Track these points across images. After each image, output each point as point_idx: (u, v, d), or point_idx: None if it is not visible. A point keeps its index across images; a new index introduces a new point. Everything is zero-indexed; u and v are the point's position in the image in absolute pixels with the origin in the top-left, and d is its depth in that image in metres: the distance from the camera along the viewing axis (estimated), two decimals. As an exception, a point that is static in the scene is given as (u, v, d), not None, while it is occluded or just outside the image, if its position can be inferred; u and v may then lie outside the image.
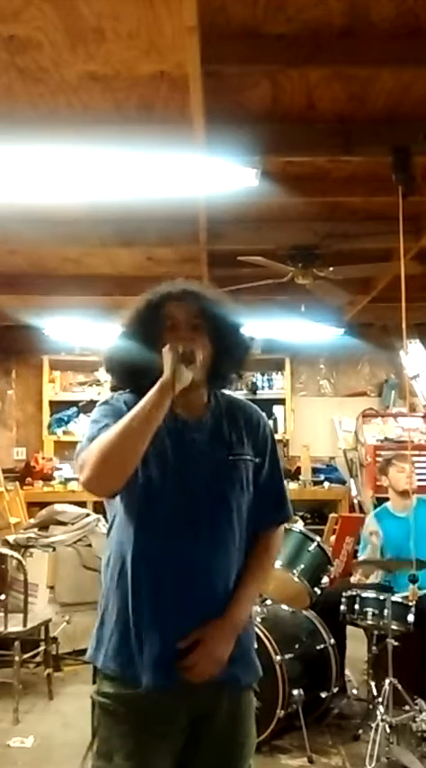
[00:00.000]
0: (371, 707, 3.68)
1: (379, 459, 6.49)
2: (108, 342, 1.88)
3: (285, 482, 2.00)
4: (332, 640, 4.00)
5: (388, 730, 3.38)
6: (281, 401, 7.65)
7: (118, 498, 1.76)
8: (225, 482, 1.79)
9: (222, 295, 1.95)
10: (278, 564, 4.00)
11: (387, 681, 3.50)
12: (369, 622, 3.74)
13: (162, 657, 1.70)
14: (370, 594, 3.78)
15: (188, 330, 1.79)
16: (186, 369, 1.69)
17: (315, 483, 7.25)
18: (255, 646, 1.92)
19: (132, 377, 1.81)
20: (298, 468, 7.33)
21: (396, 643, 3.57)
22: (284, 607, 4.17)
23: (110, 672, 1.74)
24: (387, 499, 4.65)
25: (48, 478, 7.29)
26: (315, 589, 3.98)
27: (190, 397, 1.76)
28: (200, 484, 1.76)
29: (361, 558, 4.49)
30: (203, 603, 1.73)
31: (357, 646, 4.33)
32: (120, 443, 1.64)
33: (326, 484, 7.23)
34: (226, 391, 1.93)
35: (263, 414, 1.95)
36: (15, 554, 4.53)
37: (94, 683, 1.79)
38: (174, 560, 1.72)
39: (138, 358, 1.78)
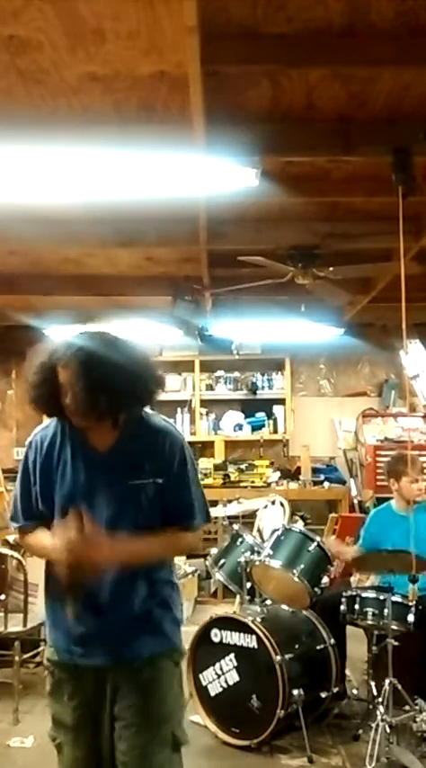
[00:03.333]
0: (371, 707, 3.68)
1: (383, 459, 6.50)
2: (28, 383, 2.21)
3: (196, 490, 2.22)
4: (332, 640, 4.00)
5: (388, 730, 3.39)
6: (281, 401, 7.65)
7: None
8: (124, 504, 2.12)
9: (108, 339, 2.16)
10: (278, 564, 4.01)
11: (387, 681, 3.51)
12: (369, 622, 3.74)
13: (67, 638, 2.14)
14: (370, 594, 3.78)
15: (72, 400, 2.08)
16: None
17: (315, 483, 7.24)
18: (160, 623, 2.18)
19: (47, 412, 2.22)
20: (298, 468, 7.33)
21: (396, 643, 3.57)
22: (284, 607, 4.17)
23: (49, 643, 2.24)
24: (387, 499, 4.64)
25: (47, 479, 7.27)
26: (315, 589, 3.98)
27: (98, 431, 2.13)
28: (103, 506, 2.11)
29: (357, 550, 4.46)
30: (103, 605, 2.11)
31: (357, 646, 4.33)
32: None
33: (326, 484, 7.22)
34: (151, 414, 2.23)
35: (175, 432, 2.21)
36: (15, 554, 4.53)
37: None
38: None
39: (46, 403, 2.17)
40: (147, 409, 2.23)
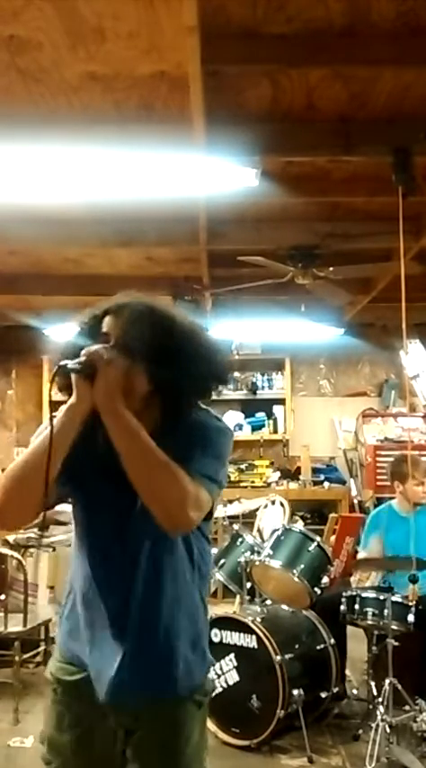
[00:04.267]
0: (371, 707, 3.68)
1: (383, 459, 6.50)
2: (54, 356, 1.77)
3: (208, 460, 1.69)
4: (332, 640, 4.00)
5: (388, 730, 3.39)
6: (281, 401, 7.65)
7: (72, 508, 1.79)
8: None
9: (170, 307, 1.81)
10: (278, 564, 4.01)
11: (387, 681, 3.51)
12: (369, 622, 3.74)
13: (91, 663, 1.71)
14: (370, 594, 3.78)
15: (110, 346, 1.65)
16: (86, 381, 1.61)
17: (315, 483, 7.24)
18: (180, 659, 1.74)
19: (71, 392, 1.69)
20: (298, 468, 7.33)
21: (396, 643, 3.57)
22: (284, 607, 4.17)
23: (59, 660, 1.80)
24: (387, 499, 4.64)
25: (47, 478, 7.27)
26: (315, 589, 3.98)
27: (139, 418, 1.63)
28: (129, 506, 1.68)
29: (360, 555, 4.48)
30: (129, 619, 1.70)
31: (357, 646, 4.33)
32: (25, 475, 1.61)
33: (326, 484, 7.22)
34: (203, 411, 1.77)
35: (211, 423, 1.76)
36: (15, 554, 4.53)
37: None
38: (105, 574, 1.72)
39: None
40: (200, 404, 1.78)
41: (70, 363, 1.62)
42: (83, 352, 1.63)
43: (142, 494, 1.61)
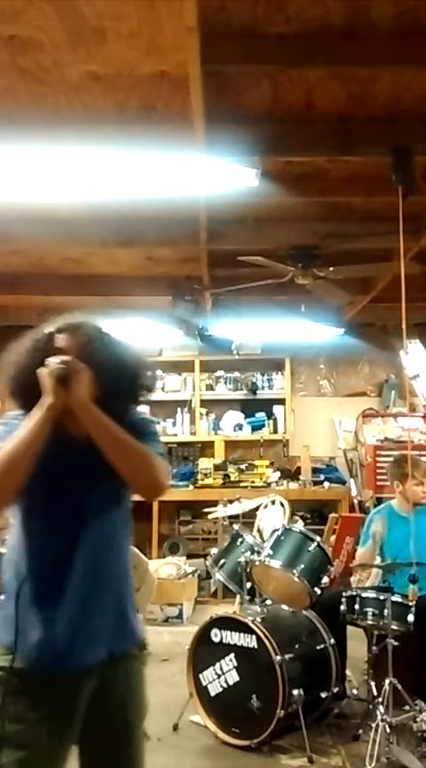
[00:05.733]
0: (371, 707, 3.68)
1: (383, 459, 6.50)
2: (9, 368, 2.03)
3: (161, 451, 2.05)
4: (332, 640, 4.00)
5: (388, 730, 3.39)
6: (281, 401, 7.65)
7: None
8: (99, 490, 1.96)
9: (109, 329, 2.07)
10: (278, 564, 4.01)
11: (387, 681, 3.51)
12: (369, 622, 3.74)
13: (45, 642, 1.87)
14: (370, 594, 3.78)
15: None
16: (63, 389, 1.87)
17: (315, 483, 7.24)
18: (133, 620, 2.02)
19: (28, 402, 1.95)
20: (298, 468, 7.33)
21: (396, 643, 3.57)
22: (284, 607, 4.17)
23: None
24: (387, 499, 4.64)
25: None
26: (315, 589, 3.98)
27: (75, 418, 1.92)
28: (76, 490, 1.95)
29: (359, 552, 4.47)
30: (86, 588, 1.91)
31: (357, 646, 4.33)
32: (6, 466, 1.87)
33: (326, 484, 7.23)
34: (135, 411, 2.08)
35: (144, 418, 2.09)
36: None
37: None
38: (52, 556, 1.92)
39: (32, 384, 1.92)
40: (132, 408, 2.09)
41: (58, 369, 1.88)
42: (57, 361, 1.89)
43: (126, 473, 1.93)
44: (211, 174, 3.06)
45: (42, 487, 1.90)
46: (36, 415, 1.88)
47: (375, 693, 3.66)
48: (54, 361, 1.90)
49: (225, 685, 3.88)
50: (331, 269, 4.47)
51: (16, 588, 1.91)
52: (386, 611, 3.62)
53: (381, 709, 3.46)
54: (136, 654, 2.01)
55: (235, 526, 4.47)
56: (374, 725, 3.45)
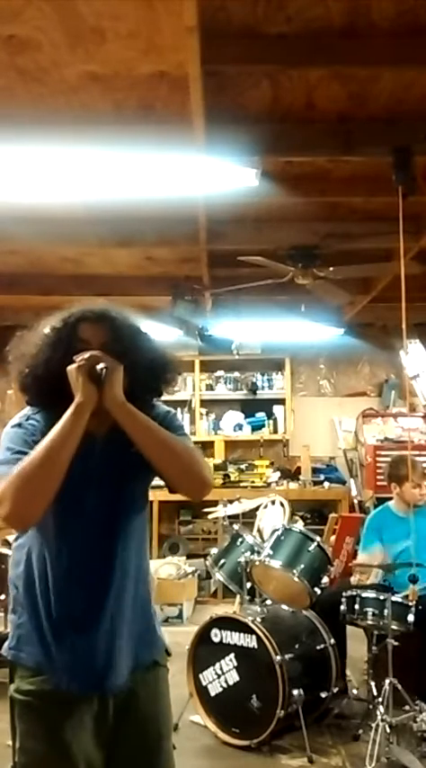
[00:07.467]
0: (371, 707, 3.68)
1: (383, 459, 6.49)
2: (22, 361, 1.85)
3: (188, 437, 1.96)
4: (332, 640, 4.00)
5: (388, 730, 3.39)
6: (281, 401, 7.65)
7: None
8: (122, 491, 1.83)
9: (135, 317, 1.95)
10: (278, 564, 4.00)
11: (387, 681, 3.51)
12: (369, 622, 3.74)
13: (79, 663, 1.75)
14: (370, 594, 3.78)
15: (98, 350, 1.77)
16: (94, 386, 1.71)
17: (315, 483, 7.24)
18: (157, 626, 1.95)
19: (45, 397, 1.81)
20: (298, 468, 7.33)
21: (396, 643, 3.57)
22: (284, 607, 4.17)
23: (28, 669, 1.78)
24: (387, 499, 4.64)
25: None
26: (315, 589, 3.98)
27: (96, 413, 1.74)
28: (106, 502, 1.80)
29: (361, 556, 4.48)
30: (119, 602, 1.79)
31: (357, 646, 4.33)
32: (41, 474, 1.66)
33: (326, 484, 7.22)
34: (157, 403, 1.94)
35: (168, 409, 1.96)
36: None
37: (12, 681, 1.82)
38: (81, 569, 1.78)
39: (52, 378, 1.76)
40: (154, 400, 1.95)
41: (90, 366, 1.70)
42: (87, 356, 1.72)
43: (172, 474, 1.79)
44: (211, 174, 3.05)
45: (63, 495, 1.70)
46: (67, 419, 1.68)
47: (375, 693, 3.66)
48: (84, 357, 1.72)
49: (225, 685, 3.88)
50: (331, 269, 4.46)
51: (40, 605, 1.76)
52: (385, 611, 3.62)
53: (381, 709, 3.46)
54: (160, 661, 1.92)
55: (235, 526, 4.47)
56: (374, 725, 3.45)
